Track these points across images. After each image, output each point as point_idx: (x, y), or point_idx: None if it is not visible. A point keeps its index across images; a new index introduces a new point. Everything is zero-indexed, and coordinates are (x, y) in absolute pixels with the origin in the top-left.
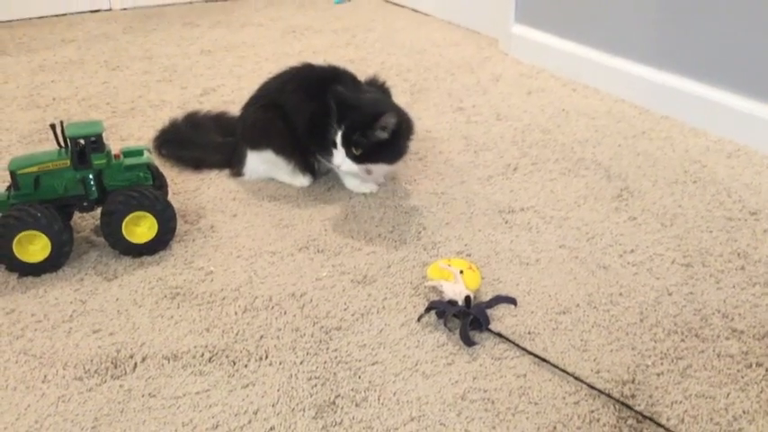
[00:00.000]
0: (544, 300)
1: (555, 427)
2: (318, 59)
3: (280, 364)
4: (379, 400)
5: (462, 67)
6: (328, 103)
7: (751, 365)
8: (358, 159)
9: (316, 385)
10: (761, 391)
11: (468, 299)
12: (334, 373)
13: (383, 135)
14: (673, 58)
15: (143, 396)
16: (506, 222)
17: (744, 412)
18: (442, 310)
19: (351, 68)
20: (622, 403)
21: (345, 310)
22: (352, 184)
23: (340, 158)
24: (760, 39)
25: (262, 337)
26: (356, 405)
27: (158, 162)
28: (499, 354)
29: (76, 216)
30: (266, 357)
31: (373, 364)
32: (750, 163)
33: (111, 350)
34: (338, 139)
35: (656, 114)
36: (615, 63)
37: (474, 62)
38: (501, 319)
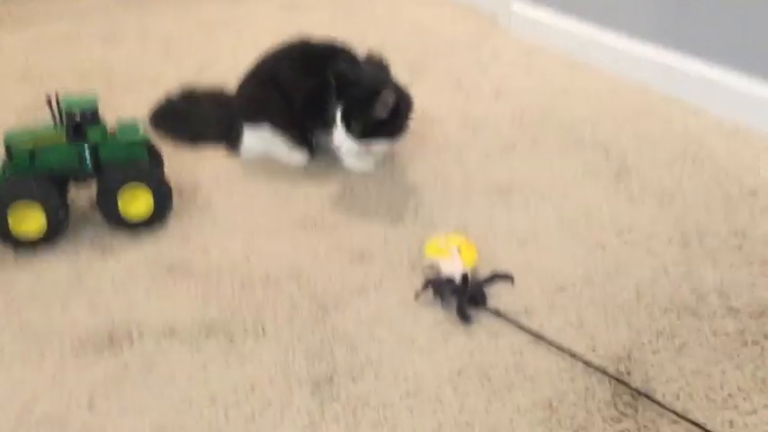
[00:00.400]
0: (541, 277)
1: (550, 403)
2: (317, 35)
3: (277, 340)
4: (375, 375)
5: (462, 45)
6: (328, 80)
7: (746, 343)
8: (358, 137)
9: (313, 361)
10: (756, 369)
11: (465, 276)
12: (332, 350)
13: (383, 112)
14: (675, 36)
15: (139, 371)
16: (504, 200)
17: (739, 389)
18: (439, 287)
19: (350, 44)
20: (617, 380)
21: (342, 286)
22: (349, 162)
23: (340, 136)
24: (763, 18)
25: (258, 312)
26: (353, 381)
27: (155, 137)
28: (496, 330)
29: (73, 191)
30: (263, 333)
31: (370, 341)
32: (749, 143)
33: (107, 325)
34: (338, 116)
35: (656, 93)
36: (616, 41)
37: (474, 40)
38: (498, 296)
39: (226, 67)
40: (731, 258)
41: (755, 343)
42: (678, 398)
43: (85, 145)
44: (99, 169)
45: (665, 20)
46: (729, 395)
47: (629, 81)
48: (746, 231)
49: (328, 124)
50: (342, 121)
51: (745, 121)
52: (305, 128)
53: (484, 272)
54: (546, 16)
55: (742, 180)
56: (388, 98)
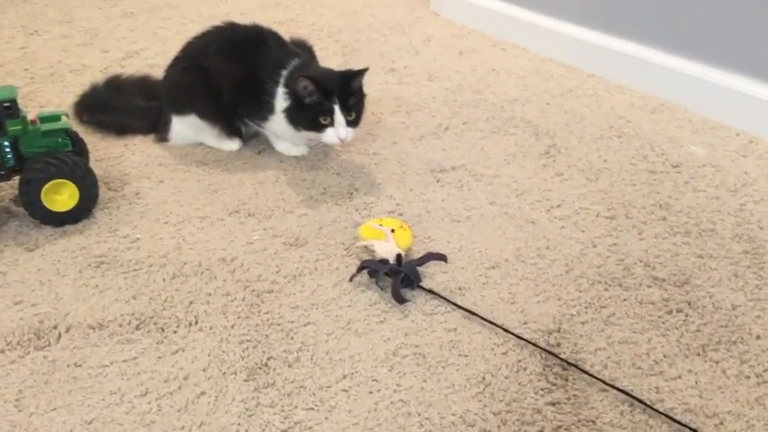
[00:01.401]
0: (474, 255)
1: (484, 378)
2: (246, 21)
3: (210, 328)
4: (311, 359)
5: (394, 28)
6: (302, 87)
7: (671, 312)
8: (354, 123)
9: (247, 348)
10: (680, 336)
11: (399, 257)
12: (266, 336)
13: (361, 90)
14: (598, 16)
15: (68, 366)
16: (438, 181)
17: (664, 356)
18: (374, 269)
19: (280, 30)
20: (548, 351)
21: (277, 272)
22: (283, 147)
23: (344, 131)
24: None
25: (191, 302)
26: (289, 366)
27: (79, 128)
28: (430, 310)
29: None
30: (196, 323)
31: (306, 325)
32: (673, 117)
33: (33, 321)
34: (336, 113)
35: (582, 72)
36: (543, 22)
37: (405, 23)
38: (432, 276)
39: (153, 54)
40: (656, 230)
41: (679, 311)
42: (606, 367)
43: (5, 139)
44: (21, 162)
45: (589, 0)
46: (655, 362)
47: (556, 61)
48: (670, 203)
49: (261, 112)
50: (343, 115)
51: (668, 97)
52: (234, 116)
53: (418, 252)
54: None
55: (666, 154)
56: (362, 79)
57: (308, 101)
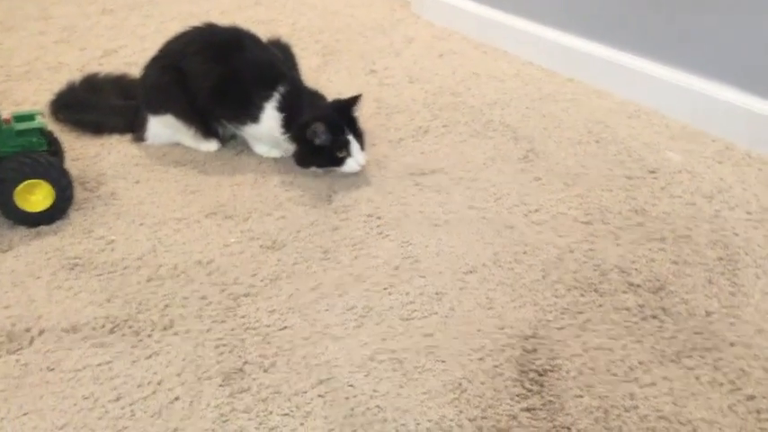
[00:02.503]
0: (452, 260)
1: (460, 384)
2: (226, 20)
3: (186, 332)
4: (288, 364)
5: (374, 29)
6: (318, 133)
7: (646, 318)
8: (363, 145)
9: (223, 353)
10: (655, 342)
11: None
12: (243, 340)
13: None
14: (578, 20)
15: (41, 370)
16: (417, 184)
17: (639, 362)
18: None
19: (261, 30)
20: (525, 353)
21: (254, 275)
22: (261, 149)
23: (362, 156)
24: (661, 2)
25: (166, 306)
26: (264, 371)
27: (55, 127)
28: (408, 314)
29: None
30: (171, 327)
31: (282, 329)
32: (650, 123)
33: (5, 324)
34: (353, 144)
35: (561, 77)
36: (524, 25)
37: (386, 24)
38: (409, 281)
39: (131, 52)
40: (632, 236)
41: (654, 317)
42: (582, 373)
43: None
44: None
45: (571, 4)
46: (630, 368)
47: (536, 65)
48: (646, 209)
49: (242, 118)
50: (358, 142)
51: (646, 102)
52: (211, 117)
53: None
54: (457, 1)
55: (643, 160)
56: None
57: (320, 142)
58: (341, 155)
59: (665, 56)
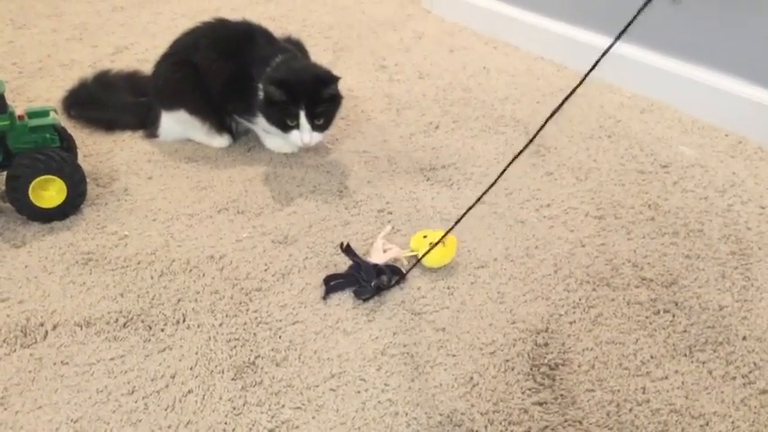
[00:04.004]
0: (463, 255)
1: (471, 378)
2: (237, 17)
3: (198, 327)
4: (299, 358)
5: (385, 25)
6: (271, 92)
7: (658, 312)
8: (322, 128)
9: (235, 347)
10: (667, 336)
11: (375, 266)
12: (254, 334)
13: (332, 98)
14: (589, 15)
15: (55, 364)
16: (428, 180)
17: (651, 357)
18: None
19: (271, 26)
20: (537, 347)
21: (266, 270)
22: (272, 144)
23: (308, 136)
24: None
25: (179, 300)
26: (276, 364)
27: (68, 124)
28: (419, 309)
29: None
30: (184, 321)
31: (294, 324)
32: (662, 117)
33: (20, 318)
34: (302, 118)
35: (573, 71)
36: (535, 20)
37: (397, 20)
38: (420, 276)
39: (143, 49)
40: (644, 230)
41: (667, 311)
42: (594, 367)
43: None
44: (8, 158)
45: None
46: (642, 362)
47: (547, 60)
48: (658, 204)
49: (251, 109)
50: (308, 120)
51: (658, 97)
52: (223, 112)
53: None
54: None
55: (655, 154)
56: (336, 83)
57: (276, 101)
58: (290, 123)
59: (678, 50)
